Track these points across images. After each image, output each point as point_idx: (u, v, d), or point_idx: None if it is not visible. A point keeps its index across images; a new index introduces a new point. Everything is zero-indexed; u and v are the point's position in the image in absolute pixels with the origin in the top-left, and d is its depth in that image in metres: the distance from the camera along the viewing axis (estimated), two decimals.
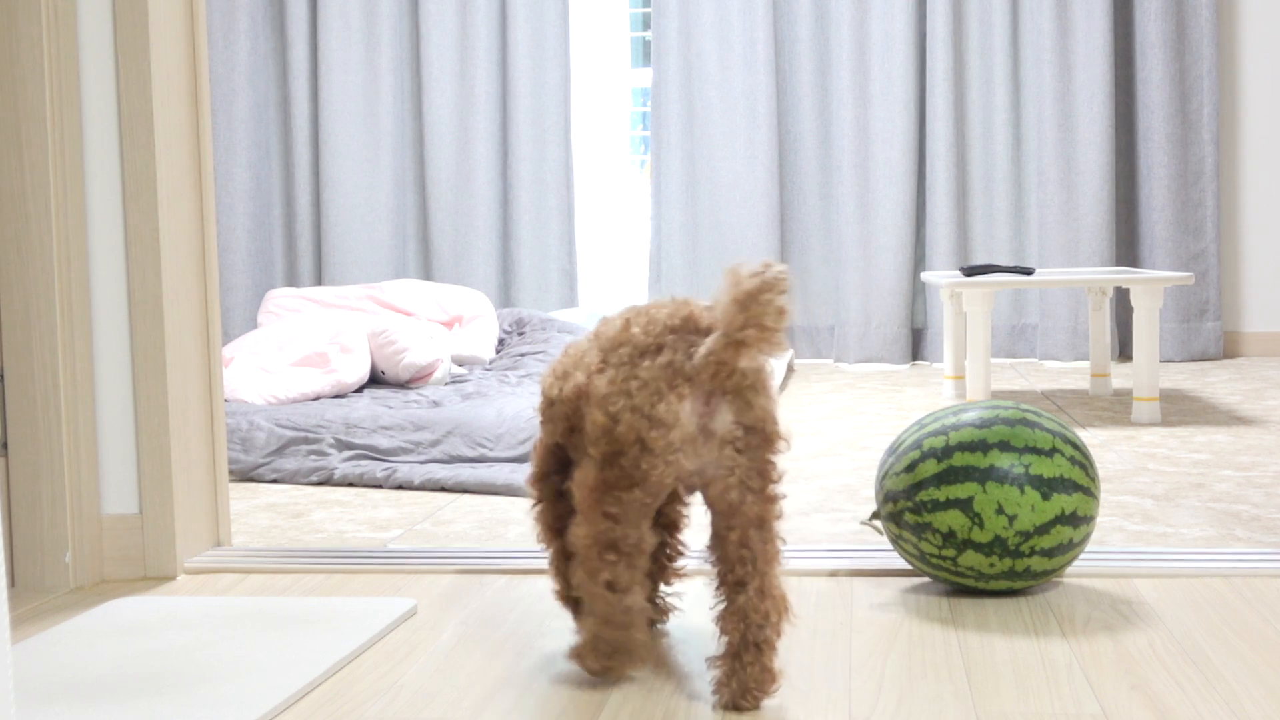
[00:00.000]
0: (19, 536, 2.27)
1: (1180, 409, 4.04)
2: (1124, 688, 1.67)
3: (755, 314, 1.47)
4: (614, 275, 5.90)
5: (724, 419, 1.54)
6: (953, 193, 5.46)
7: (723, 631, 1.57)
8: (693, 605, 2.08)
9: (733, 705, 1.57)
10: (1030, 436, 2.03)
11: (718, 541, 1.58)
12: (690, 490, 1.64)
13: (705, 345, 1.51)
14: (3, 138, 2.24)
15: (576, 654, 1.67)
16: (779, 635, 1.57)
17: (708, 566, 1.87)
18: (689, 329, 1.55)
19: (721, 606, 1.59)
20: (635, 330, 1.57)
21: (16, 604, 2.16)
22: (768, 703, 1.63)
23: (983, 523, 1.99)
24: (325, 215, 5.73)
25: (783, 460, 3.29)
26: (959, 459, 2.03)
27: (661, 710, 1.62)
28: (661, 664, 1.75)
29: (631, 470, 1.54)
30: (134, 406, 2.31)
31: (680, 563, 1.92)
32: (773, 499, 1.57)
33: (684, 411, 1.53)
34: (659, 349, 1.55)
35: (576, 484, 1.59)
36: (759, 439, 1.55)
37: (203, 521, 2.41)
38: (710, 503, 1.58)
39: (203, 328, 2.40)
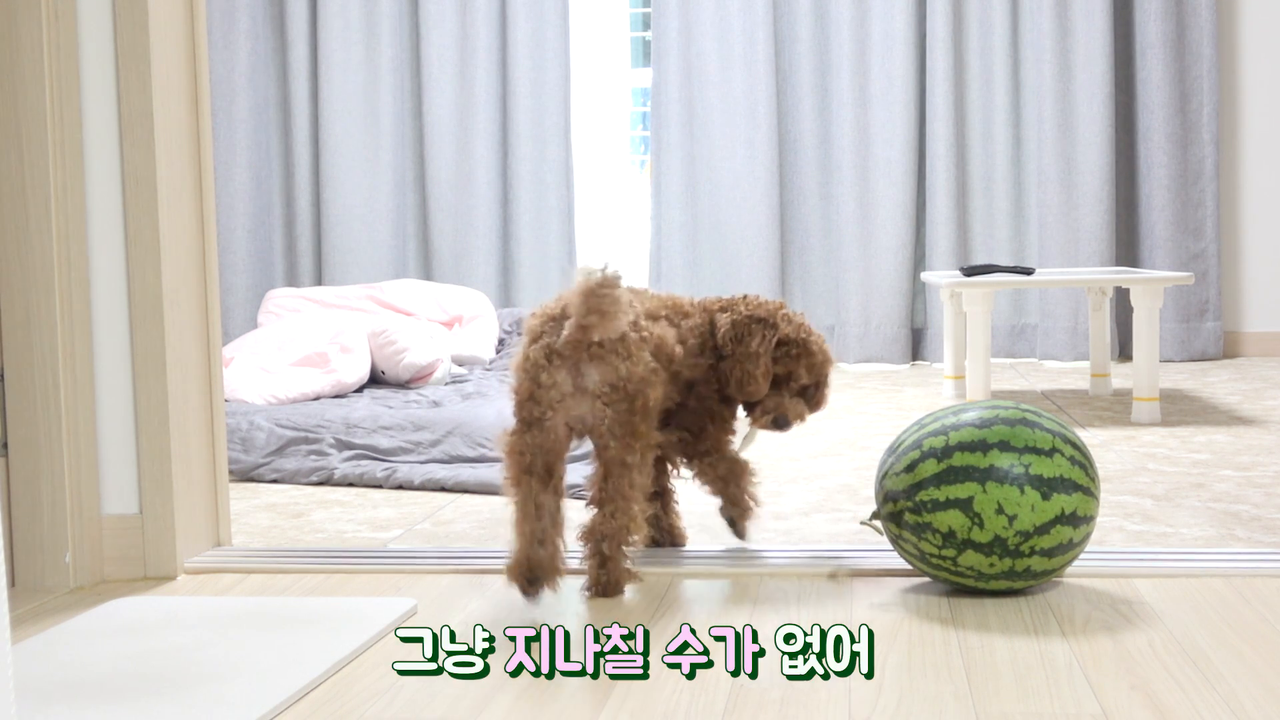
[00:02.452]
0: (19, 536, 2.27)
1: (1180, 409, 4.04)
2: (1124, 688, 1.67)
3: (594, 304, 1.99)
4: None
5: (592, 379, 2.05)
6: (953, 193, 5.46)
7: (583, 540, 2.09)
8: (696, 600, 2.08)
9: (600, 594, 2.09)
10: (1030, 436, 2.03)
11: (593, 472, 2.10)
12: (580, 435, 2.11)
13: (565, 328, 2.03)
14: (3, 138, 2.24)
15: (506, 570, 2.07)
16: (619, 549, 2.07)
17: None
18: (564, 317, 2.05)
19: (585, 521, 2.10)
20: (534, 323, 2.10)
21: (16, 604, 2.16)
22: (769, 697, 1.63)
23: (983, 523, 1.99)
24: (325, 215, 5.73)
25: (783, 460, 3.29)
26: (959, 459, 2.03)
27: (662, 709, 1.62)
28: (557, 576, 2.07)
29: (528, 419, 2.06)
30: (134, 406, 2.31)
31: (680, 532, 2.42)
32: (631, 446, 2.06)
33: (559, 376, 2.05)
34: (542, 335, 2.08)
35: (499, 436, 2.13)
36: (622, 395, 2.05)
37: (203, 521, 2.41)
38: (593, 444, 2.11)
39: (203, 328, 2.40)
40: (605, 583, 2.10)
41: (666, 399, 2.23)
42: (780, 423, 2.32)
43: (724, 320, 2.29)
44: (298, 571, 2.32)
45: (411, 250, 5.74)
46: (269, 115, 5.78)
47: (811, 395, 2.35)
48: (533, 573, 2.03)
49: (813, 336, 2.32)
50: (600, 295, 2.00)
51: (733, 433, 2.38)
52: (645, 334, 2.12)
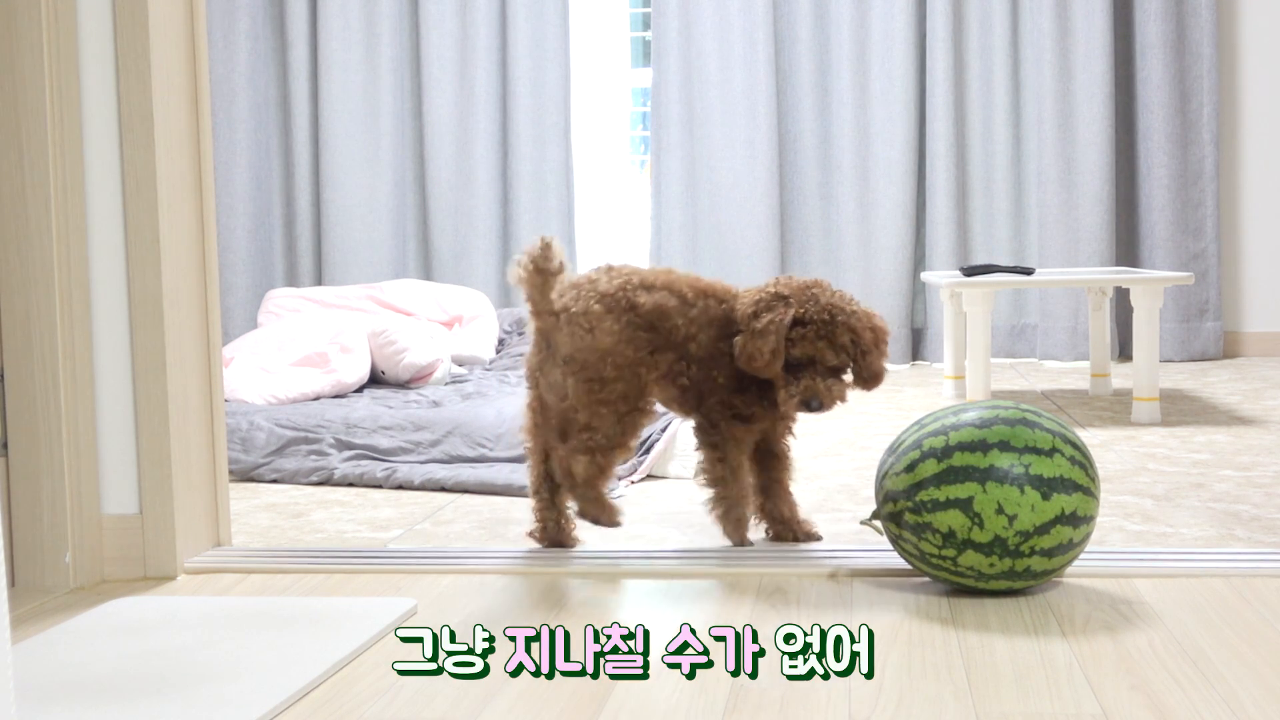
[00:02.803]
0: (19, 536, 2.27)
1: (1180, 409, 4.04)
2: (1124, 688, 1.67)
3: (538, 264, 2.27)
4: None
5: (557, 353, 2.28)
6: (953, 193, 5.46)
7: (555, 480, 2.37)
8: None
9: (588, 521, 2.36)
10: (1030, 436, 2.03)
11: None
12: (563, 398, 2.32)
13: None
14: (3, 138, 2.24)
15: None
16: (571, 488, 2.32)
17: None
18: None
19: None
20: None
21: (16, 604, 2.16)
22: (769, 697, 1.63)
23: (983, 523, 1.99)
24: (325, 215, 5.73)
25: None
26: (959, 459, 2.03)
27: (662, 709, 1.62)
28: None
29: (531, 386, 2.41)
30: (134, 406, 2.31)
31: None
32: (572, 407, 2.27)
33: (538, 350, 2.33)
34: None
35: None
36: (571, 366, 2.26)
37: (203, 521, 2.40)
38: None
39: (203, 328, 2.40)
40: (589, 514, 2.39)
41: (675, 367, 2.31)
42: (810, 405, 2.27)
43: (748, 297, 2.29)
44: (298, 571, 2.32)
45: (411, 250, 5.74)
46: (269, 115, 5.78)
47: (861, 373, 2.30)
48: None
49: (839, 317, 2.25)
50: (544, 257, 2.27)
51: (755, 426, 2.36)
52: (634, 301, 2.27)
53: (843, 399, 2.29)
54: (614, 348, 2.25)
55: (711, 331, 2.31)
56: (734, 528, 2.40)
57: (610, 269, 2.34)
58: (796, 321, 2.24)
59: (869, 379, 2.31)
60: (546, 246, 2.26)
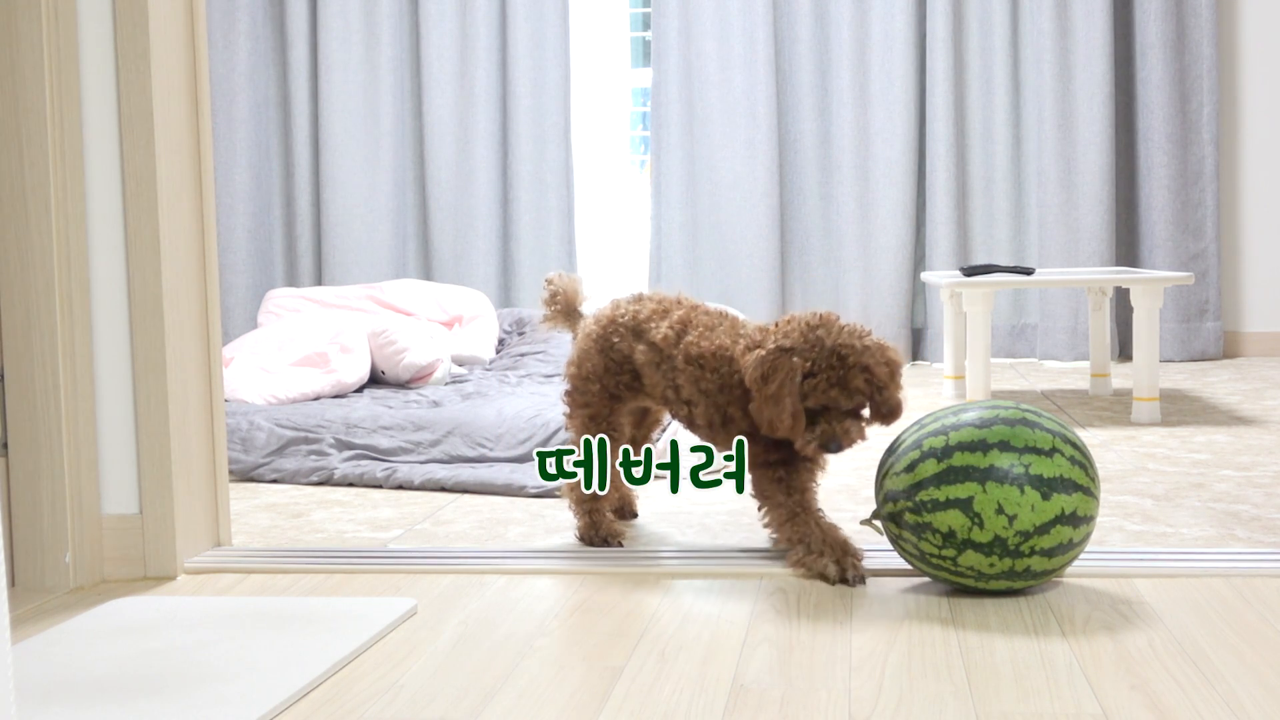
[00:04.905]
0: (19, 536, 2.27)
1: (1180, 409, 4.04)
2: (1124, 688, 1.67)
3: (545, 300, 2.62)
4: (614, 275, 5.90)
5: None
6: (953, 193, 5.46)
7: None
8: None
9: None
10: (1030, 436, 2.03)
11: None
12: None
13: None
14: (3, 138, 2.24)
15: None
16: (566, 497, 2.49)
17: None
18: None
19: None
20: None
21: (16, 604, 2.17)
22: (769, 697, 1.63)
23: (983, 523, 1.99)
24: (325, 215, 5.73)
25: None
26: (959, 459, 2.02)
27: (662, 709, 1.62)
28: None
29: None
30: (134, 406, 2.31)
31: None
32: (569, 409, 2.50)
33: None
34: None
35: None
36: (565, 378, 2.50)
37: (203, 521, 2.41)
38: None
39: (203, 328, 2.40)
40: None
41: (677, 415, 2.38)
42: (829, 447, 2.16)
43: (751, 359, 2.18)
44: (298, 571, 2.32)
45: (411, 250, 5.74)
46: (269, 115, 5.77)
47: (879, 409, 2.19)
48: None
49: (850, 359, 2.13)
50: (549, 293, 2.58)
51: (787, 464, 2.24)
52: (611, 343, 2.40)
53: (862, 437, 2.18)
54: (592, 373, 2.42)
55: (707, 401, 2.26)
56: (830, 565, 2.20)
57: (638, 298, 2.45)
58: (806, 374, 2.13)
59: (888, 414, 2.19)
60: (549, 284, 2.58)
